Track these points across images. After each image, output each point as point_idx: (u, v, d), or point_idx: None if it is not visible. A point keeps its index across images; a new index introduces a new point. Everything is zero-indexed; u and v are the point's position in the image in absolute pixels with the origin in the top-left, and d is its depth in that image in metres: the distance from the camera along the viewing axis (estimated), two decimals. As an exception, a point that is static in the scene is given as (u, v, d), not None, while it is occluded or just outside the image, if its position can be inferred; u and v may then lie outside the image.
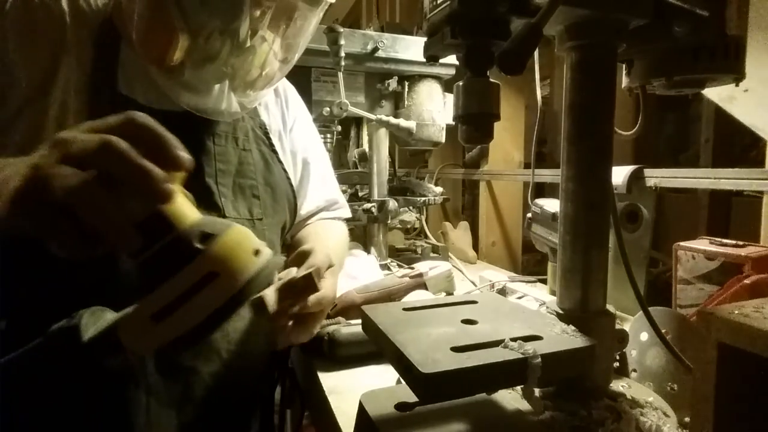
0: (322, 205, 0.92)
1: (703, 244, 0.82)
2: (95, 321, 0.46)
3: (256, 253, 0.43)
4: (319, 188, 0.91)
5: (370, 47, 1.23)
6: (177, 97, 0.64)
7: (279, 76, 0.71)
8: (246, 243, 0.43)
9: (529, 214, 1.10)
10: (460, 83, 0.49)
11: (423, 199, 1.45)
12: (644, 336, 0.62)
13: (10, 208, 0.36)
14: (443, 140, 1.37)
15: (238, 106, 0.69)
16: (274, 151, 0.81)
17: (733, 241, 0.80)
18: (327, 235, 0.86)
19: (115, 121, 0.39)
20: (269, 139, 0.81)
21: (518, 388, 0.51)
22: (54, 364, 0.48)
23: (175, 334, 0.39)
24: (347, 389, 0.66)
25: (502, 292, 1.05)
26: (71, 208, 0.35)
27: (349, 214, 1.00)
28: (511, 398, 0.51)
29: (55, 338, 0.46)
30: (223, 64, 0.62)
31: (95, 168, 0.36)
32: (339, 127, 1.35)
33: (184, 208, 0.41)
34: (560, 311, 0.54)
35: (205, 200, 0.67)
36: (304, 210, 0.88)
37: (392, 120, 1.27)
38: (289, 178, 0.83)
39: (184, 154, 0.40)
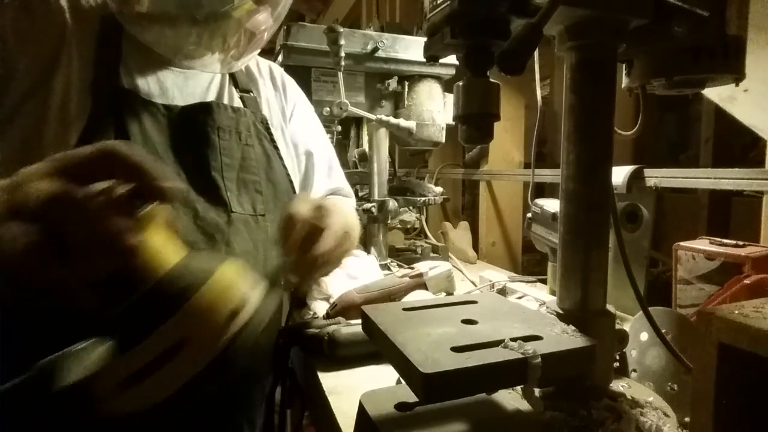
0: (327, 194, 0.92)
1: (703, 244, 0.82)
2: (78, 363, 0.40)
3: (233, 313, 0.38)
4: (324, 179, 0.92)
5: (370, 47, 1.23)
6: (150, 43, 0.64)
7: (259, 39, 0.70)
8: (224, 299, 0.38)
9: (529, 214, 1.10)
10: (460, 83, 0.49)
11: (423, 199, 1.45)
12: (644, 336, 0.62)
13: None
14: (443, 140, 1.37)
15: (219, 65, 0.70)
16: (276, 147, 0.81)
17: (733, 241, 0.80)
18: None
19: (87, 153, 0.35)
20: (271, 134, 0.80)
21: (518, 388, 0.51)
22: (30, 405, 0.44)
23: (149, 401, 0.36)
24: (347, 389, 0.66)
25: (502, 292, 1.05)
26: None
27: (354, 203, 1.00)
28: (511, 398, 0.51)
29: (31, 381, 0.41)
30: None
31: (49, 223, 0.32)
32: (339, 127, 1.34)
33: (160, 252, 0.36)
34: (560, 311, 0.54)
35: (212, 195, 0.67)
36: None
37: (392, 120, 1.27)
38: (288, 175, 0.83)
39: (169, 185, 0.36)
